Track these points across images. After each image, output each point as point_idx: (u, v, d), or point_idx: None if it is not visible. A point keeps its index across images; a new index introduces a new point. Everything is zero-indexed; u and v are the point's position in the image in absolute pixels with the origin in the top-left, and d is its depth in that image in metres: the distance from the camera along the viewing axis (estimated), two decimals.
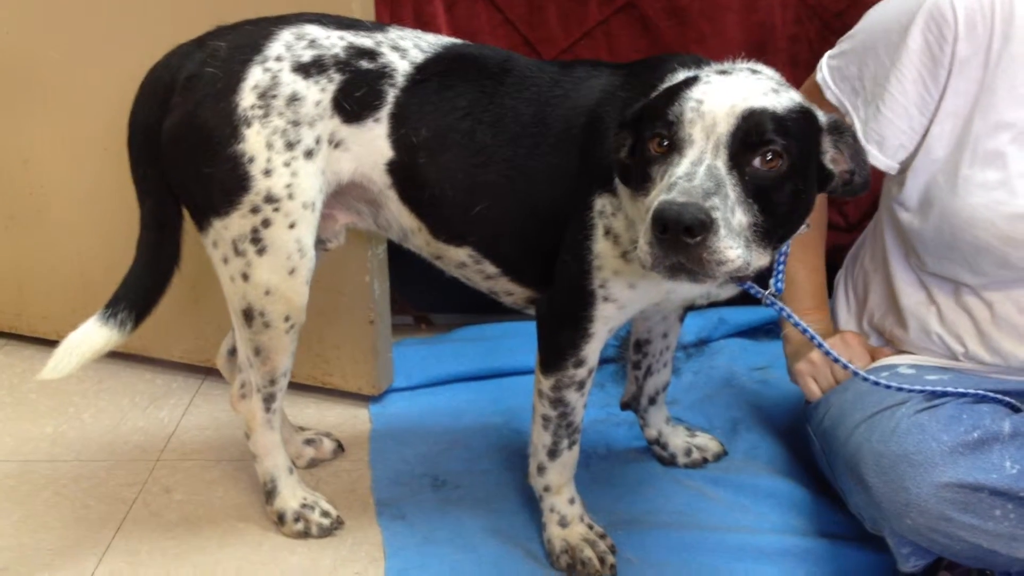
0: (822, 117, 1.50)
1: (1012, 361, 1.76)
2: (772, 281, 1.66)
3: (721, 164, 1.37)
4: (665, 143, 1.41)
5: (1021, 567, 1.62)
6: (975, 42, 1.67)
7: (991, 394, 1.69)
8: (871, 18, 1.81)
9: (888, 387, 1.69)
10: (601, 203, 1.63)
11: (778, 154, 1.38)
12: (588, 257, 1.65)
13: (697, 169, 1.35)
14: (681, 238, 1.30)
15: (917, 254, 1.80)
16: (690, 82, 1.45)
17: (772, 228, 1.40)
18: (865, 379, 1.69)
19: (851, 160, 1.50)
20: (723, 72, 1.49)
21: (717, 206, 1.32)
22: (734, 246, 1.33)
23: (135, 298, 1.78)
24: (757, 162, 1.38)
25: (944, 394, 1.68)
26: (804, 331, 1.66)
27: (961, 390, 1.68)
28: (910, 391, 1.68)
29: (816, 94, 1.82)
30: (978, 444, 1.57)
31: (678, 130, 1.40)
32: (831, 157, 1.49)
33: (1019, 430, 1.58)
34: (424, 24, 2.51)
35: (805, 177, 1.44)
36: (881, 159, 1.76)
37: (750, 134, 1.38)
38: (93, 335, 1.74)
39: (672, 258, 1.33)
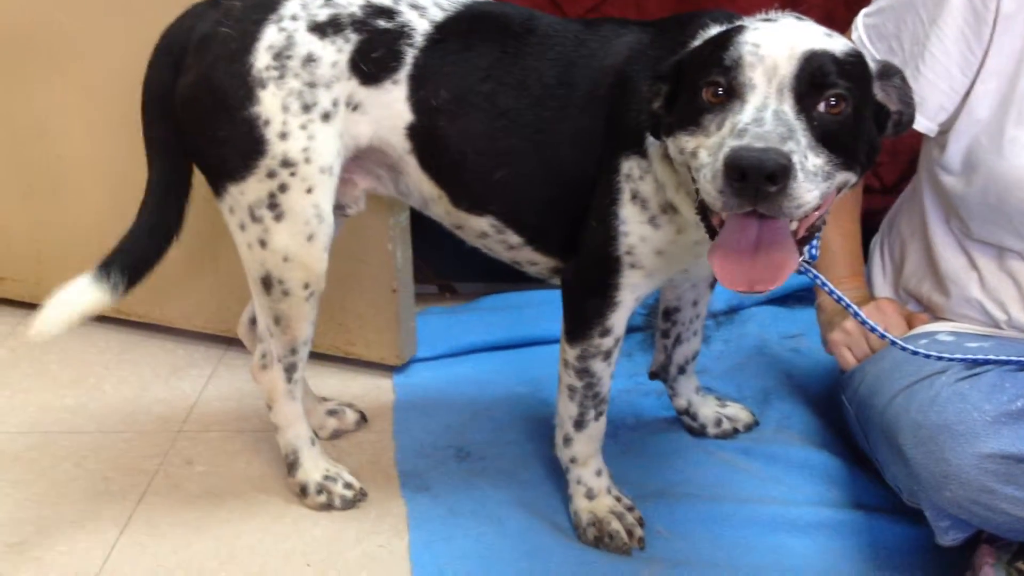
0: (871, 61, 1.45)
1: None
2: (807, 248, 1.61)
3: (788, 109, 1.31)
4: (721, 91, 1.35)
5: None
6: None
7: None
8: None
9: (927, 356, 1.63)
10: (628, 166, 1.58)
11: (842, 97, 1.34)
12: (614, 222, 1.60)
13: (763, 115, 1.30)
14: (761, 186, 1.24)
15: (960, 218, 1.74)
16: (738, 30, 1.39)
17: (840, 173, 1.35)
18: (903, 348, 1.63)
19: (899, 102, 1.46)
20: (768, 20, 1.43)
21: (794, 150, 1.26)
22: (812, 188, 1.28)
23: (130, 261, 1.73)
24: (822, 106, 1.33)
25: (985, 362, 1.62)
26: (839, 299, 1.61)
27: (1004, 357, 1.62)
28: (950, 359, 1.63)
29: None
30: (1021, 413, 1.52)
31: (737, 75, 1.33)
32: (882, 99, 1.45)
33: None
34: None
35: (866, 120, 1.40)
36: (921, 121, 1.70)
37: (815, 76, 1.32)
38: (83, 294, 1.69)
39: (746, 206, 1.27)
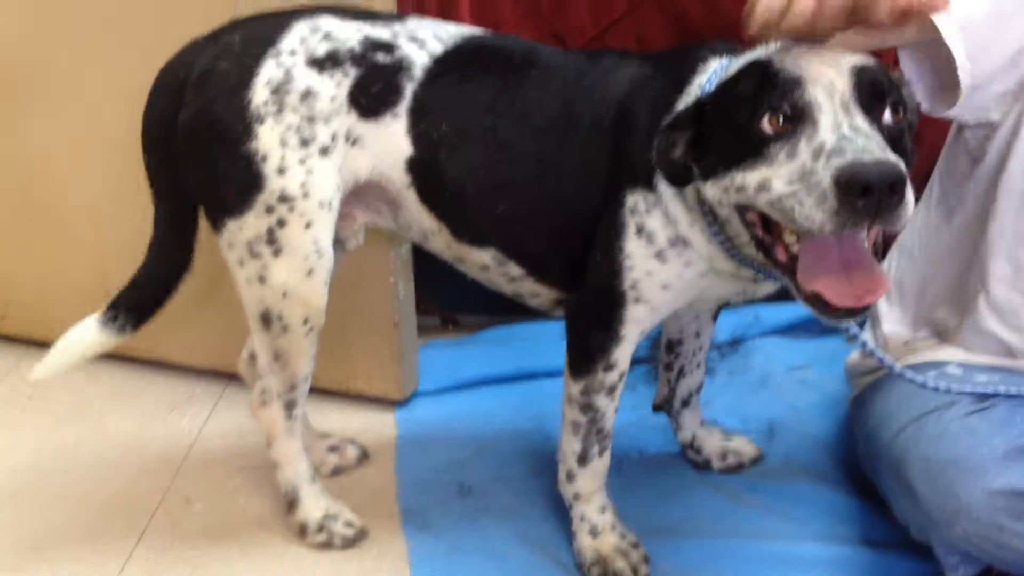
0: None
1: None
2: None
3: (861, 122, 1.30)
4: (783, 118, 1.33)
5: None
6: None
7: None
8: None
9: (935, 388, 1.61)
10: (633, 200, 1.56)
11: (899, 104, 1.34)
12: (619, 256, 1.58)
13: (845, 131, 1.28)
14: (884, 198, 1.22)
15: (992, 216, 1.68)
16: (766, 61, 1.39)
17: None
18: (912, 380, 1.61)
19: (912, 109, 1.47)
20: (783, 49, 1.42)
21: (895, 157, 1.26)
22: (912, 192, 1.26)
23: (139, 300, 1.74)
24: (888, 116, 1.33)
25: (995, 395, 1.60)
26: (853, 338, 1.59)
27: (1014, 390, 1.60)
28: (959, 392, 1.61)
29: None
30: None
31: (799, 98, 1.32)
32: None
33: None
34: (448, 14, 2.46)
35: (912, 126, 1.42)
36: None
37: (873, 87, 1.33)
38: (90, 336, 1.71)
39: (865, 222, 1.25)
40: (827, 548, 1.82)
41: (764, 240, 1.41)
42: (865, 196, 1.22)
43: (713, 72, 1.51)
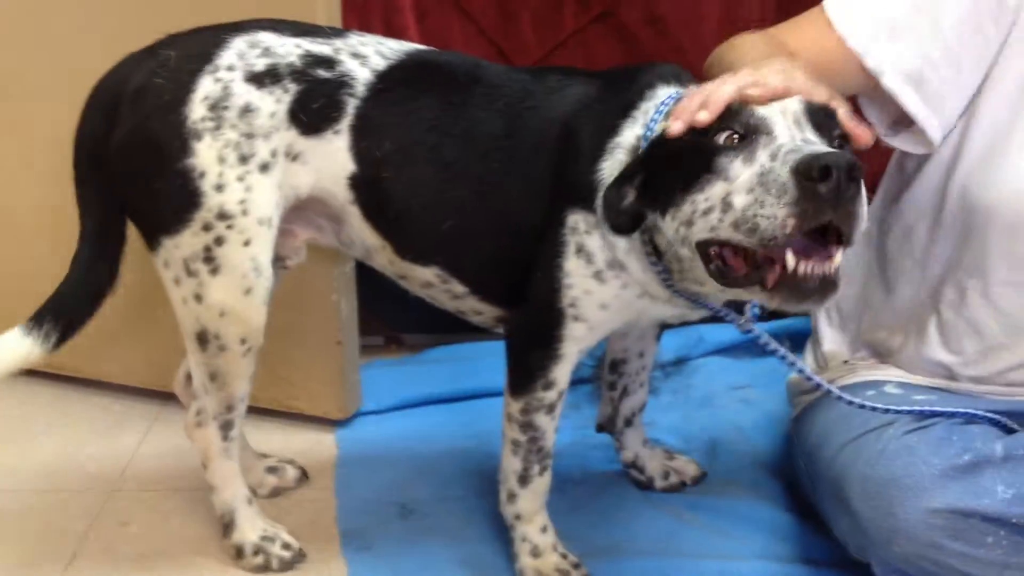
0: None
1: (1016, 380, 1.69)
2: (748, 307, 1.60)
3: (813, 137, 1.32)
4: (737, 135, 1.33)
5: None
6: None
7: (982, 413, 1.62)
8: None
9: (873, 409, 1.62)
10: (574, 219, 1.56)
11: (844, 136, 1.36)
12: (558, 275, 1.58)
13: (798, 141, 1.30)
14: (843, 184, 1.21)
15: (925, 247, 1.72)
16: None
17: None
18: (850, 403, 1.62)
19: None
20: None
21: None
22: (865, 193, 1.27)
23: (64, 313, 1.68)
24: (836, 136, 1.35)
25: (932, 414, 1.62)
26: (791, 363, 1.60)
27: (950, 409, 1.62)
28: (896, 411, 1.62)
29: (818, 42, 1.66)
30: (969, 467, 1.51)
31: (753, 115, 1.34)
32: None
33: (1011, 453, 1.52)
34: (395, 34, 2.44)
35: None
36: (936, 128, 1.64)
37: (819, 112, 1.35)
38: (13, 346, 1.65)
39: (827, 213, 1.23)
40: (768, 566, 1.82)
41: (728, 270, 1.38)
42: (825, 180, 1.21)
43: (663, 103, 1.51)
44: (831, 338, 1.93)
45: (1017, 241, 1.61)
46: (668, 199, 1.41)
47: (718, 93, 1.36)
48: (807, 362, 1.97)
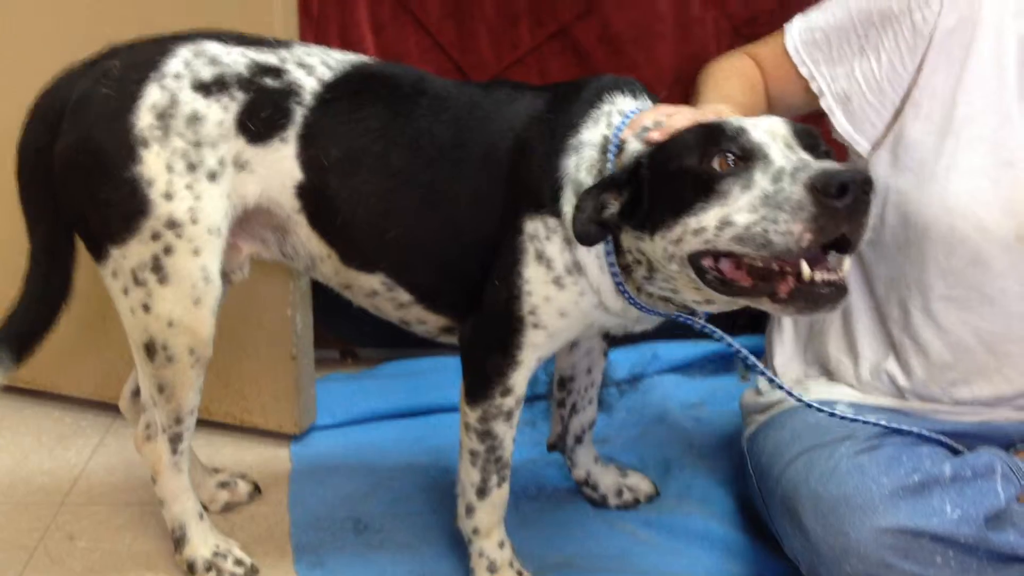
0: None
1: (962, 398, 1.71)
2: (700, 314, 1.62)
3: (806, 155, 1.36)
4: (732, 158, 1.36)
5: None
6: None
7: (933, 436, 1.64)
8: None
9: (842, 417, 1.64)
10: (533, 227, 1.56)
11: (828, 151, 1.40)
12: (518, 282, 1.58)
13: (795, 160, 1.33)
14: (859, 196, 1.25)
15: (866, 265, 1.75)
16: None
17: None
18: (809, 405, 1.64)
19: None
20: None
21: None
22: None
23: (18, 334, 1.68)
24: (826, 157, 1.38)
25: (889, 430, 1.63)
26: (745, 358, 1.61)
27: (906, 427, 1.64)
28: (852, 420, 1.65)
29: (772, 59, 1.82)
30: (919, 487, 1.53)
31: (746, 139, 1.37)
32: None
33: (959, 473, 1.54)
34: (351, 47, 2.43)
35: None
36: (859, 141, 1.74)
37: (805, 134, 1.39)
38: None
39: (842, 226, 1.27)
40: None
41: (726, 277, 1.40)
42: (843, 196, 1.25)
43: (626, 113, 1.54)
44: (783, 357, 1.95)
45: (952, 257, 1.65)
46: (658, 219, 1.43)
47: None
48: (760, 379, 1.98)
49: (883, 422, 1.66)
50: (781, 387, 1.64)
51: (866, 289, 1.78)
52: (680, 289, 1.50)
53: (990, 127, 1.63)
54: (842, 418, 1.65)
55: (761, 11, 2.55)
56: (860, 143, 1.73)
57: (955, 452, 1.64)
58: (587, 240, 1.48)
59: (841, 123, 1.72)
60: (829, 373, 1.86)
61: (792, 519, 1.64)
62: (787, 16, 1.83)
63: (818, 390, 1.83)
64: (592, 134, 1.54)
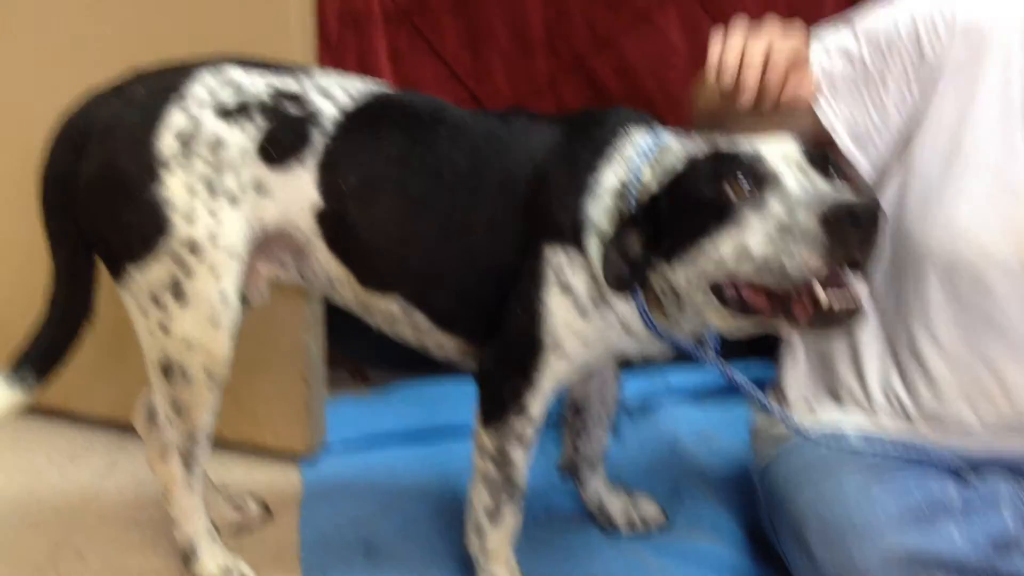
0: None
1: (968, 423, 1.72)
2: (706, 340, 1.65)
3: (819, 180, 1.38)
4: (747, 184, 1.39)
5: None
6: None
7: (940, 461, 1.66)
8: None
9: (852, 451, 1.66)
10: (556, 256, 1.58)
11: (840, 171, 1.43)
12: (540, 309, 1.60)
13: (808, 184, 1.36)
14: (871, 226, 1.30)
15: (881, 293, 1.77)
16: (715, 145, 1.48)
17: None
18: (827, 445, 1.66)
19: None
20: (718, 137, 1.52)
21: None
22: None
23: (43, 355, 1.71)
24: (838, 179, 1.41)
25: (895, 457, 1.65)
26: (751, 390, 1.63)
27: (913, 455, 1.66)
28: (871, 454, 1.66)
29: None
30: (926, 514, 1.55)
31: (760, 166, 1.40)
32: None
33: (967, 500, 1.56)
34: (368, 74, 2.45)
35: None
36: (853, 152, 1.75)
37: (822, 157, 1.42)
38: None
39: (848, 257, 1.31)
40: None
41: (746, 302, 1.43)
42: (855, 225, 1.28)
43: (644, 149, 1.56)
44: (795, 381, 1.95)
45: (956, 281, 1.67)
46: (678, 249, 1.46)
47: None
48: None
49: (891, 450, 1.67)
50: (784, 420, 1.66)
51: (874, 311, 1.79)
52: (708, 317, 1.52)
53: (994, 156, 1.65)
54: (852, 452, 1.66)
55: None
56: (862, 164, 1.75)
57: (963, 479, 1.65)
58: (622, 287, 1.51)
59: (845, 144, 1.73)
60: (838, 397, 1.87)
61: (800, 545, 1.65)
62: None
63: (827, 415, 1.84)
64: (610, 177, 1.57)
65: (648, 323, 1.58)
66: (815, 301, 1.35)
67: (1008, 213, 1.64)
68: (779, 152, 1.42)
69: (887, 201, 1.74)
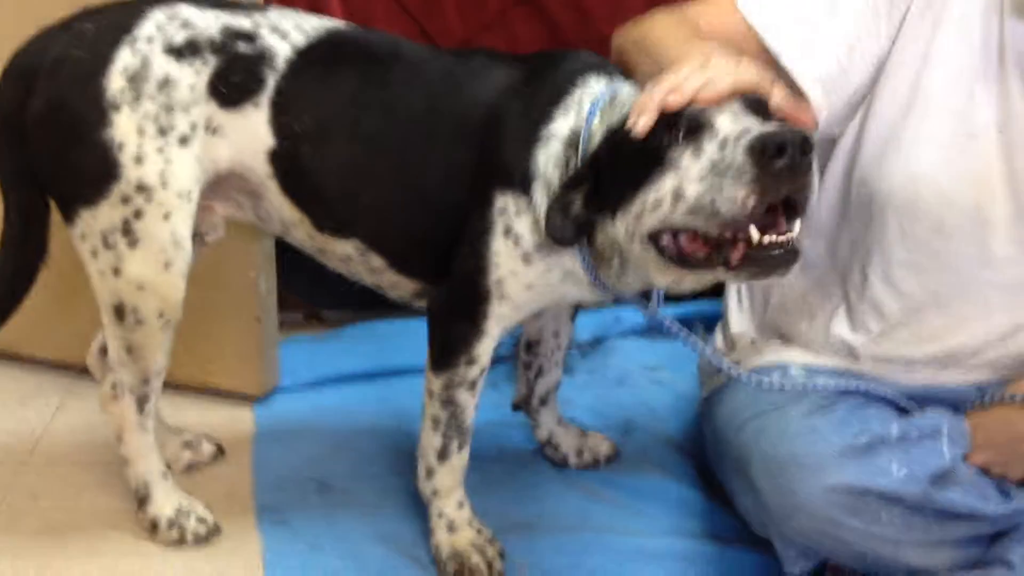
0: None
1: (913, 359, 1.76)
2: (654, 293, 1.66)
3: (754, 122, 1.36)
4: (682, 131, 1.38)
5: (905, 571, 1.62)
6: None
7: (880, 393, 1.70)
8: None
9: (779, 389, 1.68)
10: (503, 201, 1.58)
11: (782, 119, 1.40)
12: (486, 254, 1.60)
13: (744, 124, 1.34)
14: (798, 156, 1.27)
15: (833, 234, 1.79)
16: None
17: None
18: (757, 383, 1.68)
19: None
20: None
21: None
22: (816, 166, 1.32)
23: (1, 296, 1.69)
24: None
25: (837, 391, 1.69)
26: (696, 348, 1.66)
27: (854, 387, 1.69)
28: (794, 392, 1.69)
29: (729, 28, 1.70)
30: (866, 448, 1.58)
31: (696, 111, 1.38)
32: None
33: (906, 434, 1.59)
34: (318, 10, 2.41)
35: None
36: (808, 82, 1.68)
37: (758, 103, 1.39)
38: None
39: (784, 188, 1.29)
40: (676, 542, 1.87)
41: (683, 251, 1.42)
42: (781, 156, 1.26)
43: (596, 100, 1.55)
44: (739, 320, 1.99)
45: (914, 223, 1.69)
46: (617, 201, 1.46)
47: (686, 85, 1.40)
48: (717, 342, 2.03)
49: (832, 384, 1.71)
50: (720, 366, 1.69)
51: (828, 256, 1.82)
52: (650, 272, 1.53)
53: (954, 101, 1.66)
54: (780, 389, 1.69)
55: None
56: (813, 91, 1.68)
57: (904, 413, 1.69)
58: (565, 243, 1.52)
59: (816, 96, 1.67)
60: (783, 336, 1.90)
61: (744, 478, 1.69)
62: None
63: (771, 353, 1.87)
64: (562, 125, 1.56)
65: (592, 277, 1.60)
66: (749, 243, 1.34)
67: (967, 157, 1.65)
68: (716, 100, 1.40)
69: (845, 143, 1.75)
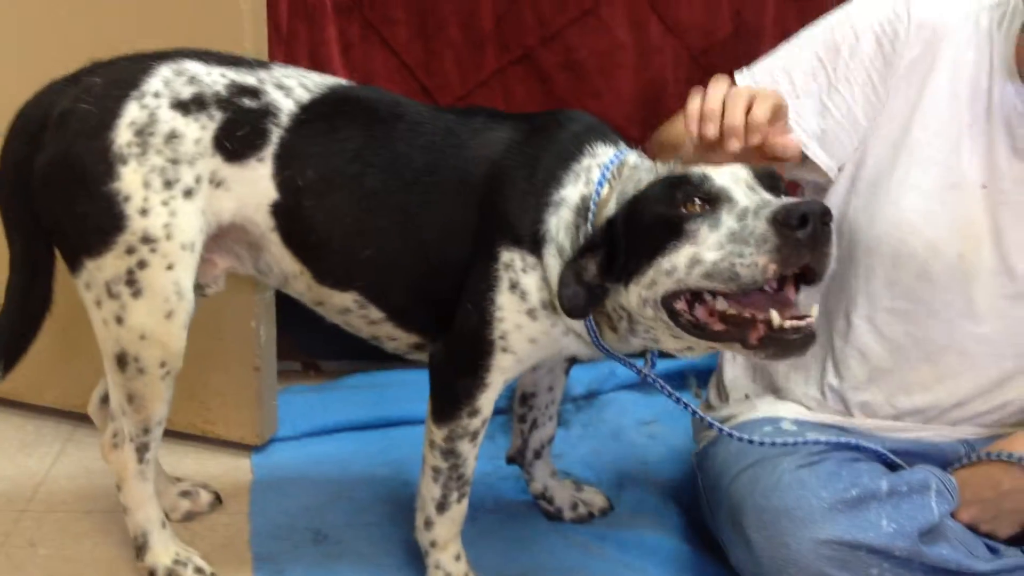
0: None
1: (900, 410, 1.79)
2: (648, 355, 1.71)
3: (769, 195, 1.42)
4: (699, 201, 1.43)
5: None
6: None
7: (870, 447, 1.72)
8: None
9: (760, 444, 1.71)
10: (509, 257, 1.61)
11: (788, 192, 1.47)
12: (490, 308, 1.63)
13: (760, 198, 1.40)
14: (819, 227, 1.32)
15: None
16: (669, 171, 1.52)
17: None
18: (740, 439, 1.71)
19: None
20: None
21: None
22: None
23: (5, 346, 1.72)
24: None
25: (828, 445, 1.70)
26: (687, 408, 1.69)
27: (839, 440, 1.71)
28: (783, 445, 1.70)
29: None
30: (856, 502, 1.60)
31: (711, 184, 1.43)
32: None
33: (895, 489, 1.61)
34: (319, 66, 2.48)
35: None
36: (823, 158, 1.78)
37: (770, 176, 1.46)
38: None
39: (804, 257, 1.34)
40: None
41: (699, 321, 1.46)
42: (803, 226, 1.32)
43: (604, 168, 1.60)
44: (734, 374, 2.01)
45: (900, 270, 1.73)
46: (632, 269, 1.49)
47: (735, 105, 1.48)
48: (711, 394, 2.06)
49: (823, 439, 1.73)
50: (711, 424, 1.72)
51: (819, 304, 1.84)
52: (660, 338, 1.57)
53: (941, 151, 1.71)
54: (760, 444, 1.71)
55: (716, 42, 2.63)
56: (833, 170, 1.79)
57: (893, 468, 1.71)
58: (577, 313, 1.55)
59: (817, 154, 1.76)
60: (777, 390, 1.93)
61: (737, 530, 1.71)
62: (742, 46, 1.89)
63: (765, 407, 1.90)
64: (572, 192, 1.60)
65: (595, 341, 1.63)
66: (769, 323, 1.38)
67: (951, 207, 1.70)
68: (728, 172, 1.46)
69: (837, 191, 1.80)
